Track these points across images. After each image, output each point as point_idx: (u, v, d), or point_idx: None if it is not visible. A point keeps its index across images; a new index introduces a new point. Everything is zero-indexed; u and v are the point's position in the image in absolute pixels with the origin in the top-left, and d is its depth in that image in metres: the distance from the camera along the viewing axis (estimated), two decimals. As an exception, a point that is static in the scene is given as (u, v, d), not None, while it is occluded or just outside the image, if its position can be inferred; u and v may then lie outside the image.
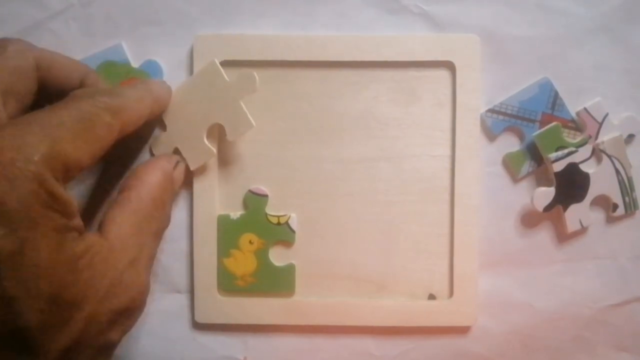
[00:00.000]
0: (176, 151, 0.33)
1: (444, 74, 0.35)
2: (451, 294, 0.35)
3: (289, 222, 0.35)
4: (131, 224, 0.27)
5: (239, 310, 0.35)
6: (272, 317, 0.35)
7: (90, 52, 0.34)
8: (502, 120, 0.35)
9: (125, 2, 0.35)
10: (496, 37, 0.35)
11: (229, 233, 0.35)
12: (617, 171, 0.35)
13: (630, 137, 0.35)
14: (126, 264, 0.26)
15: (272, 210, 0.35)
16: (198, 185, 0.35)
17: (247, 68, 0.33)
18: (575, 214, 0.35)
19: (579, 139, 0.35)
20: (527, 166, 0.35)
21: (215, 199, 0.35)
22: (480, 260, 0.35)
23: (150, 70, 0.35)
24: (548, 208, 0.34)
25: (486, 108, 0.35)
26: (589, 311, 0.36)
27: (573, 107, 0.35)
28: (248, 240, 0.35)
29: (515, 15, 0.35)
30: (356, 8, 0.35)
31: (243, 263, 0.35)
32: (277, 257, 0.35)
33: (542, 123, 0.35)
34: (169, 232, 0.35)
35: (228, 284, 0.35)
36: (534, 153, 0.35)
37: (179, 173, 0.32)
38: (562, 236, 0.36)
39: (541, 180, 0.36)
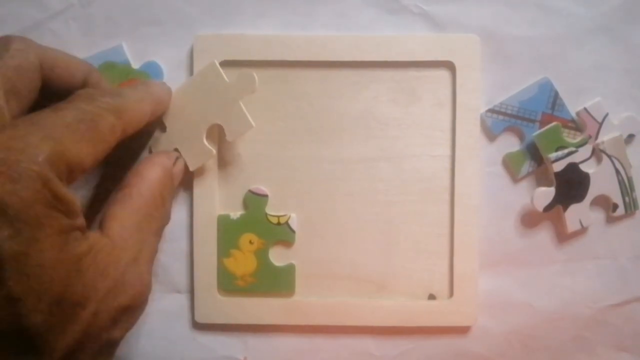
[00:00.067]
0: (176, 152, 0.33)
1: (444, 74, 0.35)
2: (451, 294, 0.35)
3: (289, 222, 0.35)
4: (132, 221, 0.27)
5: (239, 310, 0.35)
6: (272, 317, 0.35)
7: (90, 52, 0.35)
8: (502, 120, 0.35)
9: (125, 2, 0.35)
10: (496, 37, 0.35)
11: (229, 233, 0.35)
12: (617, 171, 0.35)
13: (630, 137, 0.35)
14: (128, 262, 0.26)
15: (272, 210, 0.35)
16: (198, 185, 0.35)
17: (247, 68, 0.33)
18: (575, 214, 0.35)
19: (579, 139, 0.35)
20: (527, 166, 0.35)
21: (215, 199, 0.35)
22: (480, 260, 0.35)
23: (150, 71, 0.35)
24: (548, 208, 0.34)
25: (486, 108, 0.35)
26: (589, 311, 0.36)
27: (573, 107, 0.35)
28: (248, 240, 0.35)
29: (515, 15, 0.35)
30: (356, 8, 0.35)
31: (243, 263, 0.35)
32: (277, 257, 0.35)
33: (542, 123, 0.35)
34: (169, 232, 0.35)
35: (228, 284, 0.35)
36: (534, 153, 0.35)
37: (179, 169, 0.32)
38: (562, 236, 0.36)
39: (541, 180, 0.36)
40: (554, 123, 0.35)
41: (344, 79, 0.35)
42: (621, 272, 0.36)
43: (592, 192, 0.35)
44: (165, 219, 0.31)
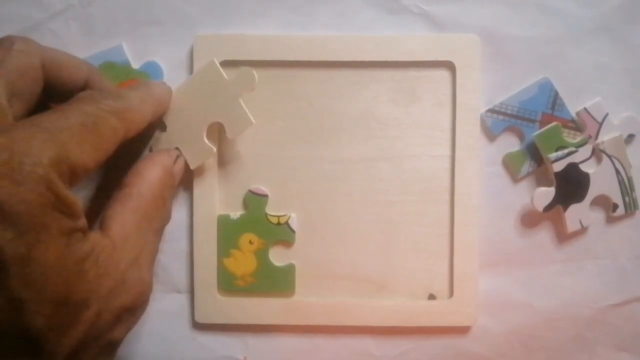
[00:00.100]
0: (176, 150, 0.33)
1: (444, 74, 0.35)
2: (451, 294, 0.35)
3: (289, 222, 0.35)
4: (132, 221, 0.27)
5: (239, 310, 0.35)
6: (272, 317, 0.35)
7: (90, 52, 0.35)
8: (502, 120, 0.35)
9: (125, 2, 0.35)
10: (496, 37, 0.35)
11: (229, 233, 0.35)
12: (617, 171, 0.35)
13: (630, 137, 0.35)
14: (129, 262, 0.26)
15: (272, 210, 0.35)
16: (198, 185, 0.35)
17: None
18: (575, 214, 0.35)
19: (579, 139, 0.35)
20: (527, 166, 0.35)
21: (215, 199, 0.35)
22: (480, 260, 0.35)
23: (150, 71, 0.35)
24: (548, 208, 0.34)
25: (486, 108, 0.35)
26: (589, 311, 0.36)
27: (573, 107, 0.35)
28: (248, 240, 0.35)
29: (515, 15, 0.35)
30: (356, 8, 0.35)
31: (243, 263, 0.35)
32: (277, 257, 0.35)
33: (542, 123, 0.35)
34: (169, 232, 0.35)
35: (228, 284, 0.35)
36: (534, 153, 0.35)
37: (179, 168, 0.32)
38: (562, 236, 0.36)
39: (541, 180, 0.36)
40: (554, 123, 0.35)
41: (344, 79, 0.35)
42: (621, 272, 0.36)
43: (592, 192, 0.35)
44: (165, 218, 0.31)
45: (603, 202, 0.35)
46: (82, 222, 0.24)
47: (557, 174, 0.34)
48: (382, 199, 0.35)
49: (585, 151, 0.35)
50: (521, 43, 0.35)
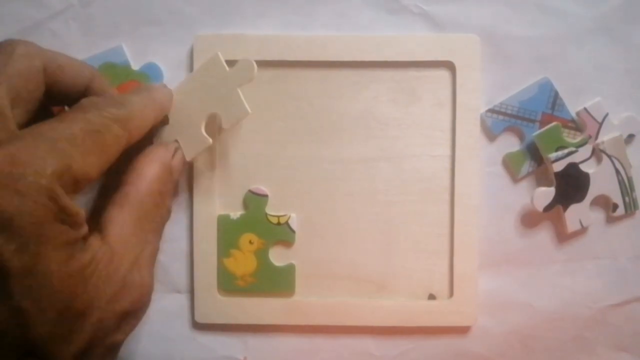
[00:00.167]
0: (175, 143, 0.32)
1: (444, 74, 0.35)
2: (451, 294, 0.35)
3: (289, 222, 0.35)
4: (131, 222, 0.27)
5: (239, 310, 0.35)
6: (272, 317, 0.35)
7: (90, 52, 0.34)
8: (502, 120, 0.35)
9: (125, 2, 0.35)
10: (496, 37, 0.35)
11: (229, 233, 0.35)
12: (617, 171, 0.35)
13: (630, 137, 0.35)
14: (129, 266, 0.26)
15: (272, 210, 0.35)
16: (198, 185, 0.35)
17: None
18: (575, 214, 0.35)
19: (579, 139, 0.35)
20: (527, 166, 0.35)
21: (215, 199, 0.35)
22: (480, 260, 0.35)
23: (150, 72, 0.35)
24: (548, 208, 0.34)
25: (486, 108, 0.35)
26: (589, 311, 0.36)
27: (573, 107, 0.35)
28: (248, 240, 0.35)
29: (515, 15, 0.35)
30: (356, 8, 0.35)
31: (243, 263, 0.35)
32: (277, 257, 0.35)
33: (542, 123, 0.35)
34: (169, 232, 0.35)
35: (228, 284, 0.35)
36: (534, 153, 0.35)
37: (178, 162, 0.31)
38: (562, 236, 0.36)
39: (541, 180, 0.36)
40: (554, 123, 0.35)
41: (344, 79, 0.35)
42: (621, 272, 0.36)
43: (592, 192, 0.35)
44: (165, 215, 0.30)
45: (603, 202, 0.35)
46: (84, 230, 0.24)
47: (557, 174, 0.34)
48: (382, 199, 0.35)
49: (585, 151, 0.35)
50: (521, 43, 0.35)
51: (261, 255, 0.35)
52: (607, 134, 0.35)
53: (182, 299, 0.36)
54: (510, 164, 0.35)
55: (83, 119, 0.25)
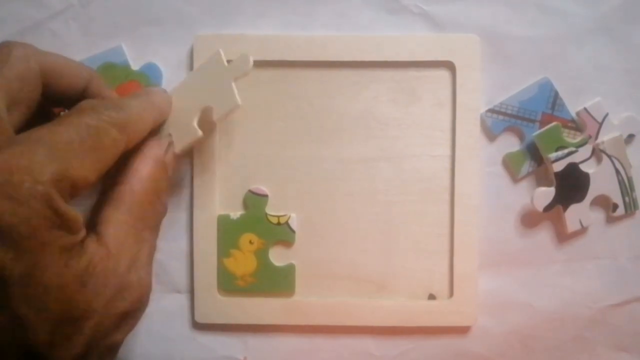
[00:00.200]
0: (168, 137, 0.31)
1: (444, 74, 0.35)
2: (451, 294, 0.35)
3: (289, 222, 0.35)
4: (127, 222, 0.27)
5: (239, 310, 0.35)
6: (272, 317, 0.35)
7: (90, 53, 0.34)
8: (502, 120, 0.35)
9: (125, 3, 0.35)
10: (496, 37, 0.35)
11: (229, 233, 0.35)
12: (617, 171, 0.35)
13: (630, 137, 0.35)
14: (126, 267, 0.26)
15: (272, 210, 0.35)
16: (198, 185, 0.35)
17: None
18: (575, 214, 0.35)
19: (579, 139, 0.35)
20: (527, 166, 0.35)
21: (215, 199, 0.35)
22: (480, 260, 0.35)
23: (149, 72, 0.35)
24: (548, 208, 0.34)
25: (486, 108, 0.35)
26: (589, 311, 0.36)
27: (573, 107, 0.35)
28: (248, 240, 0.35)
29: (515, 15, 0.35)
30: (356, 8, 0.35)
31: (243, 263, 0.35)
32: (277, 257, 0.35)
33: (542, 123, 0.35)
34: (169, 232, 0.35)
35: (228, 284, 0.35)
36: (534, 153, 0.35)
37: (171, 157, 0.31)
38: (562, 236, 0.36)
39: (541, 180, 0.36)
40: (554, 123, 0.35)
41: (344, 79, 0.35)
42: (621, 272, 0.36)
43: (592, 192, 0.35)
44: (161, 213, 0.30)
45: (603, 202, 0.35)
46: (82, 234, 0.24)
47: (557, 174, 0.34)
48: (382, 199, 0.35)
49: (585, 151, 0.35)
50: (521, 43, 0.35)
51: (261, 255, 0.35)
52: (607, 134, 0.35)
53: (182, 299, 0.36)
54: (510, 164, 0.35)
55: (81, 122, 0.25)
